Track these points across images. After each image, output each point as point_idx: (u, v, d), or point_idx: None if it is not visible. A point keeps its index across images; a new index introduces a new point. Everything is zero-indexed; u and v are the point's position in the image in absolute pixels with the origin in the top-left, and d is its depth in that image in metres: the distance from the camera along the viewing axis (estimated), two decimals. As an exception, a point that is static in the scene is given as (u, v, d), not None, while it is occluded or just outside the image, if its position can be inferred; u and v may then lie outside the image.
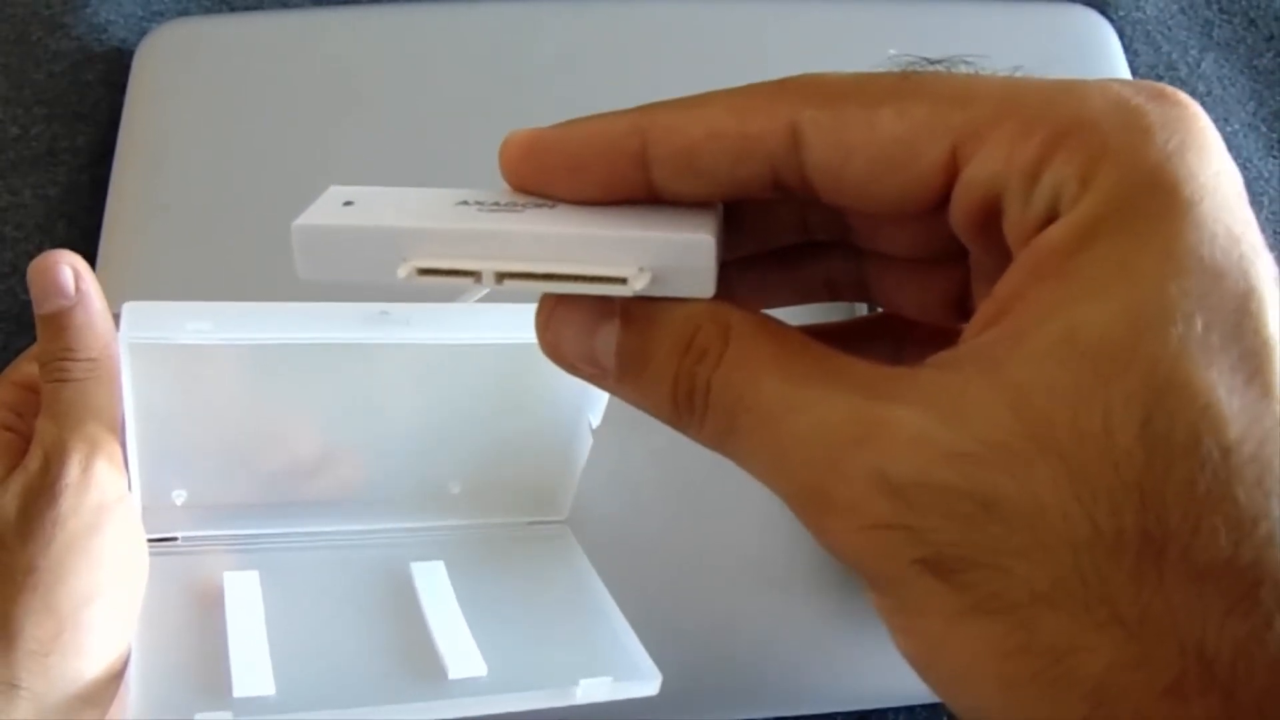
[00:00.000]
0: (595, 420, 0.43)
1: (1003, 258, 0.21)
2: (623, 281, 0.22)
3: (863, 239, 0.26)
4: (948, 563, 0.19)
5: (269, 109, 0.60)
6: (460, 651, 0.39)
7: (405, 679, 0.39)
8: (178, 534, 0.43)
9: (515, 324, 0.39)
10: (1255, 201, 0.65)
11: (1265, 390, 0.18)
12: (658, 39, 0.63)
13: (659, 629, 0.41)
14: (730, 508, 0.51)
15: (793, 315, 0.23)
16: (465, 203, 0.23)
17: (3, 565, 0.35)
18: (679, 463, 0.51)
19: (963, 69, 0.20)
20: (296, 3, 0.68)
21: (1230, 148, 0.69)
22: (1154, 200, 0.19)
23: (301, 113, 0.60)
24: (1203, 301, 0.18)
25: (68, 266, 0.38)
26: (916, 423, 0.19)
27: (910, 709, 0.52)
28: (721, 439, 0.22)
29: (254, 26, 0.64)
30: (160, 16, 0.67)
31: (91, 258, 0.56)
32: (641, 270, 0.22)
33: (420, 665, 0.39)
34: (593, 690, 0.38)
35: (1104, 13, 0.68)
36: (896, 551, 0.19)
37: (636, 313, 0.23)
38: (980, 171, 0.21)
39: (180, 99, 0.61)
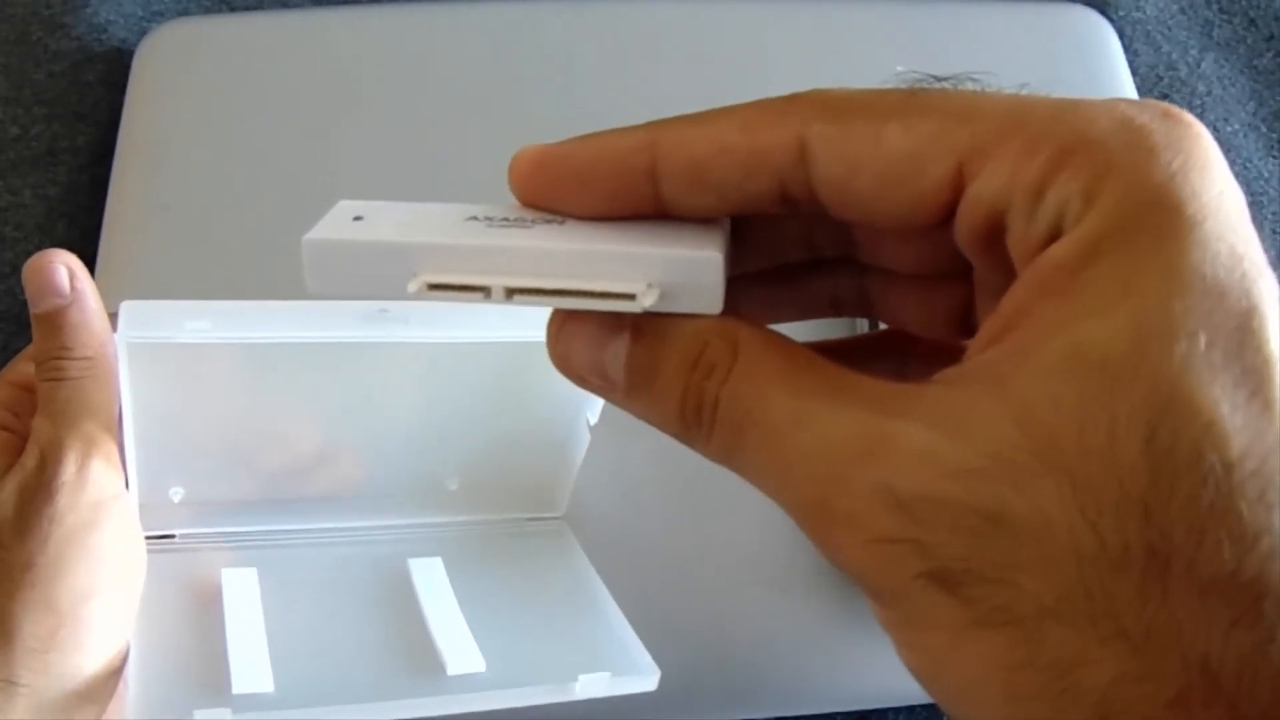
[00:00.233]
0: (593, 418, 0.43)
1: (1007, 273, 0.22)
2: (631, 298, 0.22)
3: (868, 255, 0.26)
4: (953, 576, 0.19)
5: (269, 109, 0.60)
6: (458, 648, 0.39)
7: (404, 675, 0.39)
8: (175, 531, 0.43)
9: (514, 323, 0.40)
10: (1255, 201, 0.65)
11: (1267, 407, 0.18)
12: (658, 40, 0.63)
13: (658, 628, 0.41)
14: (730, 507, 0.51)
15: (797, 332, 0.24)
16: (475, 218, 0.24)
17: (0, 563, 0.35)
18: (678, 461, 0.50)
19: (969, 86, 0.20)
20: (296, 3, 0.68)
21: (1230, 148, 0.69)
22: (1158, 218, 0.19)
23: (301, 113, 0.60)
24: (1206, 319, 0.19)
25: (63, 265, 0.38)
26: (923, 438, 0.20)
27: (910, 709, 0.52)
28: (728, 453, 0.23)
29: (254, 26, 0.64)
30: (160, 16, 0.67)
31: (91, 258, 0.56)
32: (650, 287, 0.22)
33: (419, 661, 0.39)
34: (591, 686, 0.38)
35: (1104, 13, 0.68)
36: (902, 565, 0.20)
37: (647, 327, 0.23)
38: (985, 188, 0.21)
39: (180, 99, 0.61)
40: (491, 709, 0.38)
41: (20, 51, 0.65)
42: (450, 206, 0.24)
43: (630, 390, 0.24)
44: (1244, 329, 0.19)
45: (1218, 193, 0.20)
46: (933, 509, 0.19)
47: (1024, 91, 0.22)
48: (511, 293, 0.23)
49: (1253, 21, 0.72)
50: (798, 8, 0.65)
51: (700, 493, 0.51)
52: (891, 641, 0.21)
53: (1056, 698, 0.19)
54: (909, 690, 0.51)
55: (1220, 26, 0.72)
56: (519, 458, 0.45)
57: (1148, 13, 0.71)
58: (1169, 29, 0.71)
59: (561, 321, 0.24)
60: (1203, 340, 0.19)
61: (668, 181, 0.23)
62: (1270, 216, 0.66)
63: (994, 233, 0.21)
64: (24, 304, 0.58)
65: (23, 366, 0.40)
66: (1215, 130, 0.67)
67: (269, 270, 0.57)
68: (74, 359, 0.37)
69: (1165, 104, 0.21)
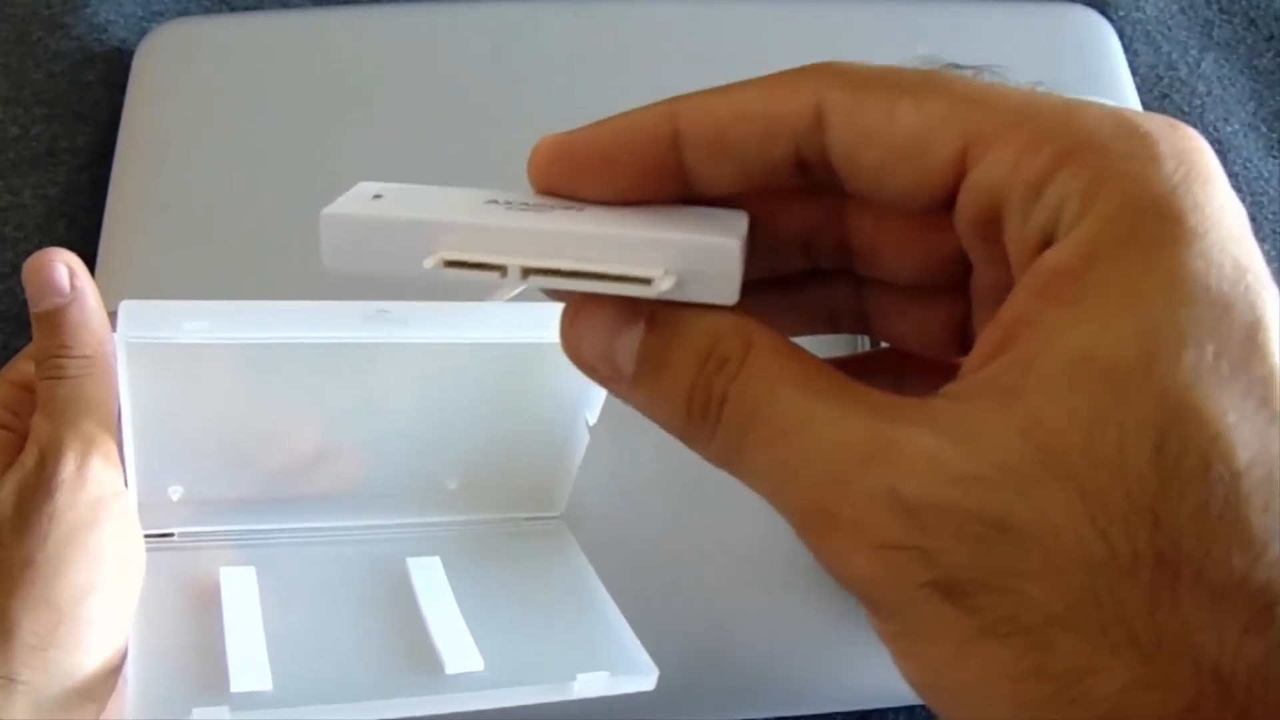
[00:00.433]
0: (592, 419, 0.43)
1: (1003, 270, 0.22)
2: (647, 282, 0.22)
3: (865, 265, 0.26)
4: (959, 585, 0.19)
5: (269, 109, 0.60)
6: (457, 646, 0.39)
7: (402, 674, 0.39)
8: (174, 530, 0.43)
9: (515, 324, 0.40)
10: (1255, 201, 0.65)
11: (1274, 417, 0.19)
12: (658, 39, 0.63)
13: (658, 628, 0.41)
14: (729, 508, 0.51)
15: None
16: (494, 201, 0.24)
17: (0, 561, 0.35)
18: (677, 462, 0.50)
19: (987, 77, 0.21)
20: (296, 3, 0.68)
21: (1230, 148, 0.69)
22: (1160, 227, 0.19)
23: (301, 113, 0.60)
24: (1212, 330, 0.19)
25: (62, 264, 0.38)
26: (930, 444, 0.20)
27: (910, 709, 0.52)
28: (730, 454, 0.22)
29: (254, 26, 0.64)
30: (160, 16, 0.67)
31: (91, 258, 0.56)
32: (667, 272, 0.22)
33: (417, 660, 0.39)
34: (590, 685, 0.38)
35: (1104, 13, 0.68)
36: (905, 573, 0.20)
37: (661, 318, 0.23)
38: (985, 176, 0.21)
39: (180, 99, 0.61)
40: (490, 708, 0.38)
41: (20, 51, 0.65)
42: (468, 190, 0.25)
43: (638, 381, 0.23)
44: (1250, 340, 0.19)
45: (1219, 206, 0.20)
46: (938, 515, 0.19)
47: (1039, 89, 0.22)
48: (528, 272, 0.23)
49: (1253, 21, 0.72)
50: (798, 7, 0.65)
51: (699, 493, 0.51)
52: (890, 654, 0.21)
53: (1066, 707, 0.19)
54: (909, 690, 0.51)
55: (1220, 26, 0.72)
56: (518, 458, 0.45)
57: (1148, 13, 0.71)
58: (1169, 29, 0.71)
59: (576, 308, 0.24)
60: (1210, 350, 0.19)
61: (690, 150, 0.23)
62: (1270, 216, 0.66)
63: (992, 223, 0.22)
64: (24, 304, 0.58)
65: (22, 365, 0.40)
66: (1215, 130, 0.67)
67: (269, 270, 0.57)
68: (73, 357, 0.37)
69: (1170, 118, 0.21)
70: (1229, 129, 0.68)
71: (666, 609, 0.49)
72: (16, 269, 0.59)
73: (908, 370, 0.27)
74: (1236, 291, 0.19)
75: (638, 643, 0.40)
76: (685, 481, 0.51)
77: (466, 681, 0.38)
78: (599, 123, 0.24)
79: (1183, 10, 0.72)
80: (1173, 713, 0.18)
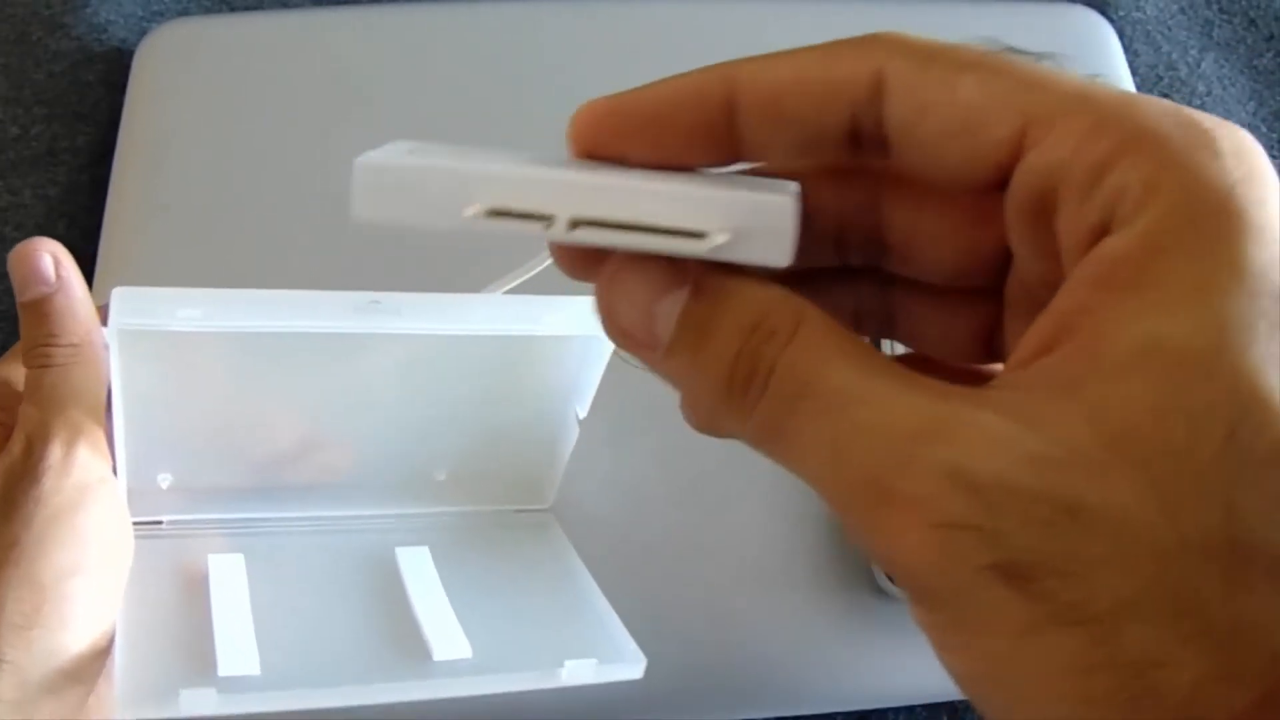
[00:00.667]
0: (582, 411, 0.43)
1: (1045, 263, 0.22)
2: (701, 236, 0.21)
3: (898, 261, 0.25)
4: (1022, 569, 0.18)
5: (269, 109, 0.60)
6: (445, 634, 0.39)
7: (390, 661, 0.39)
8: (163, 517, 0.43)
9: (507, 317, 0.40)
10: (1255, 201, 0.65)
11: None
12: (658, 39, 0.63)
13: (656, 627, 0.41)
14: (727, 507, 0.51)
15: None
16: (534, 159, 0.23)
17: None
18: (670, 458, 0.51)
19: (1048, 65, 0.21)
20: (296, 3, 0.68)
21: (1230, 147, 0.66)
22: (1224, 220, 0.19)
23: (301, 113, 0.60)
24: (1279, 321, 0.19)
25: (47, 254, 0.38)
26: (995, 424, 0.19)
27: (910, 709, 0.52)
28: (771, 429, 0.21)
29: (254, 26, 0.64)
30: (160, 16, 0.67)
31: (91, 258, 0.56)
32: (720, 229, 0.21)
33: (405, 647, 0.39)
34: (577, 672, 0.37)
35: (1104, 13, 0.68)
36: (965, 555, 0.19)
37: (708, 284, 0.22)
38: (1044, 157, 0.21)
39: (180, 99, 0.61)
40: (477, 694, 0.38)
41: (20, 51, 0.65)
42: (508, 150, 0.24)
43: (676, 348, 0.23)
44: None
45: (1278, 204, 0.20)
46: (1005, 495, 0.18)
47: (1097, 79, 0.22)
48: (576, 223, 0.22)
49: (1253, 21, 0.72)
50: (798, 8, 0.65)
51: (695, 490, 0.51)
52: (934, 647, 0.20)
53: (1134, 700, 0.18)
54: (909, 690, 0.51)
55: (1220, 26, 0.72)
56: (507, 449, 0.45)
57: (1148, 13, 0.71)
58: (1169, 29, 0.71)
59: (615, 269, 0.23)
60: (1278, 341, 0.19)
61: (745, 113, 0.23)
62: (1270, 216, 0.66)
63: (1044, 209, 0.21)
64: (24, 304, 0.58)
65: (13, 362, 0.40)
66: (1215, 130, 0.67)
67: (269, 270, 0.57)
68: (60, 346, 0.37)
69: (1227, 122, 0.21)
70: (1229, 129, 0.68)
71: (664, 608, 0.49)
72: (16, 269, 0.59)
73: (931, 375, 0.27)
74: None
75: (626, 632, 0.40)
76: (680, 478, 0.51)
77: (454, 668, 0.38)
78: (648, 85, 0.23)
79: (1183, 10, 0.72)
80: (1247, 706, 0.18)
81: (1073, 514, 0.18)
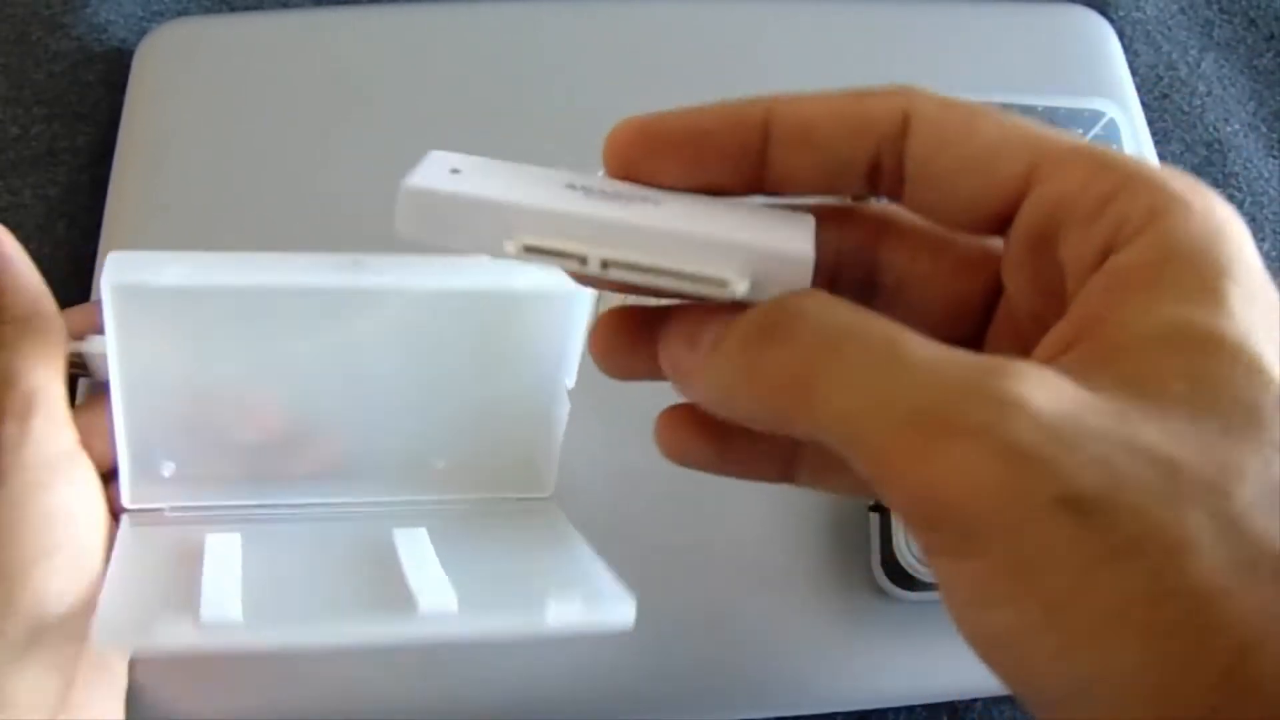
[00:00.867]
0: (570, 381, 0.44)
1: (1039, 296, 0.24)
2: (724, 284, 0.23)
3: (887, 303, 0.27)
4: (1087, 503, 0.19)
5: (269, 109, 0.60)
6: (432, 589, 0.38)
7: (376, 612, 0.38)
8: (165, 504, 0.43)
9: (489, 272, 0.40)
10: (1255, 201, 0.65)
11: None
12: (658, 40, 0.63)
13: (656, 627, 0.41)
14: (727, 507, 0.51)
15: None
16: (573, 186, 0.24)
17: None
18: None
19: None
20: (296, 3, 0.68)
21: (1230, 148, 0.69)
22: (1223, 239, 0.22)
23: (301, 113, 0.60)
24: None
25: None
26: (1051, 374, 0.20)
27: (910, 709, 0.52)
28: (806, 371, 0.21)
29: (254, 26, 0.64)
30: (160, 16, 0.67)
31: (91, 258, 0.56)
32: (742, 277, 0.23)
33: (392, 604, 0.39)
34: (563, 614, 0.36)
35: (1104, 13, 0.68)
36: (1031, 487, 0.19)
37: None
38: (1053, 190, 0.23)
39: (180, 99, 0.61)
40: (460, 636, 0.37)
41: (20, 51, 0.65)
42: (547, 171, 0.25)
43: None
44: None
45: (1252, 247, 0.23)
46: (1074, 428, 0.19)
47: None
48: (608, 264, 0.23)
49: (1253, 21, 0.72)
50: (797, 8, 0.65)
51: (696, 492, 0.51)
52: (961, 606, 0.20)
53: (1199, 631, 0.18)
54: (909, 690, 0.51)
55: (1220, 26, 0.72)
56: (502, 427, 0.45)
57: (1148, 13, 0.71)
58: (1169, 29, 0.71)
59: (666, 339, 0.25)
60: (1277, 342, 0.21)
61: (777, 139, 0.24)
62: (1270, 216, 0.66)
63: (1047, 236, 0.23)
64: (24, 304, 0.58)
65: None
66: (1215, 130, 0.67)
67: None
68: (4, 323, 0.37)
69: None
70: (1229, 129, 0.67)
71: (662, 607, 0.49)
72: (16, 269, 0.59)
73: None
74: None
75: (616, 581, 0.39)
76: (680, 478, 0.51)
77: (439, 618, 0.37)
78: (684, 107, 0.25)
79: (1183, 10, 0.72)
80: None
81: (1135, 452, 0.19)
